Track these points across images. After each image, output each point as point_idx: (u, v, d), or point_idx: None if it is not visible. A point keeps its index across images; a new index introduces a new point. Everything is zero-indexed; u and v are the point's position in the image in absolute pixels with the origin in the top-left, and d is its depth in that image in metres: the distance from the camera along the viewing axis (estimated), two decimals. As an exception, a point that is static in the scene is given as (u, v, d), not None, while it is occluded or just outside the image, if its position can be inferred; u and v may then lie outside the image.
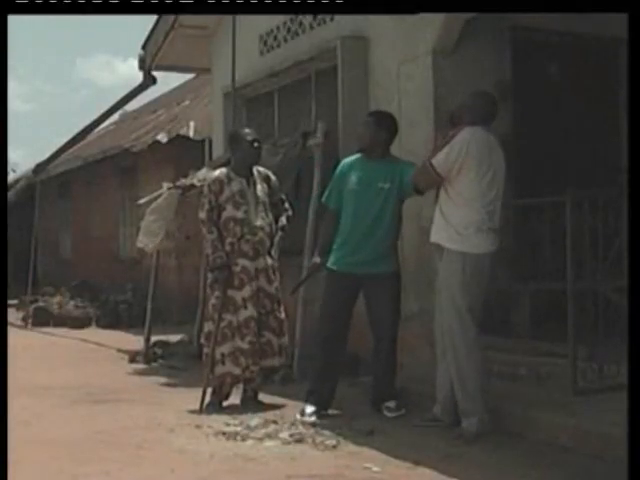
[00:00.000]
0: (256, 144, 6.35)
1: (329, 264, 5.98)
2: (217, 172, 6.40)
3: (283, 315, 6.34)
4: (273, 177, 6.51)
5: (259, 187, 6.32)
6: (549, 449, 4.81)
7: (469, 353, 5.17)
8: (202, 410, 6.08)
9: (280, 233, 6.38)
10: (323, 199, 6.22)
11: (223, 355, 6.17)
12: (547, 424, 5.01)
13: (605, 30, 7.08)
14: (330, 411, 5.84)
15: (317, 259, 6.10)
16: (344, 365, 6.23)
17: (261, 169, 6.48)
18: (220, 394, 6.26)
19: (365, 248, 5.84)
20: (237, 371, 6.16)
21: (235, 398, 6.35)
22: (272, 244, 6.32)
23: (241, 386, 6.36)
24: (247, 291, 6.15)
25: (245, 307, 6.14)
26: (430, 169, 5.25)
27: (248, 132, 6.49)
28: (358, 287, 5.90)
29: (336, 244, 5.97)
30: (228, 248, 6.17)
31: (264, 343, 6.19)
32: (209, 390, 6.21)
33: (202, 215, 6.23)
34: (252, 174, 6.34)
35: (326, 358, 5.92)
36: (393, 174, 5.87)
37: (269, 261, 6.28)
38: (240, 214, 6.19)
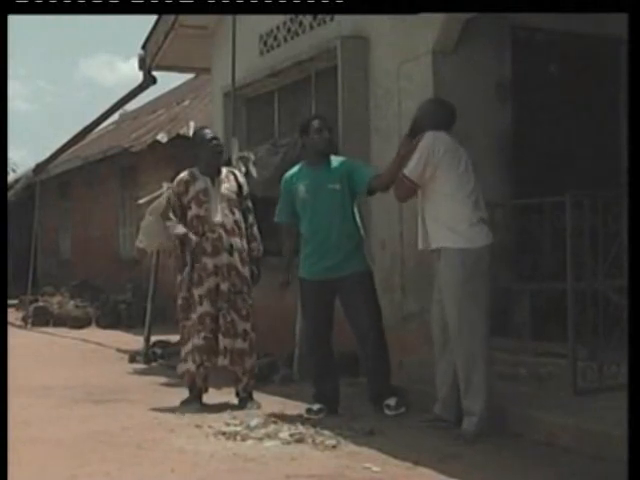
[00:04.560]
0: (219, 147, 6.45)
1: (300, 273, 6.03)
2: (183, 173, 6.49)
3: (236, 317, 6.26)
4: (241, 177, 6.60)
5: (225, 185, 6.39)
6: (549, 449, 4.81)
7: (475, 354, 5.15)
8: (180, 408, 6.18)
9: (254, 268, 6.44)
10: (276, 219, 6.22)
11: (186, 354, 6.32)
12: (547, 424, 5.01)
13: (605, 30, 7.08)
14: (340, 411, 5.88)
15: (284, 277, 6.16)
16: (341, 365, 6.25)
17: (231, 168, 6.63)
18: (194, 391, 6.34)
19: (329, 252, 5.85)
20: (192, 367, 6.27)
21: (234, 398, 6.36)
22: (249, 244, 6.39)
23: (239, 385, 6.36)
24: (204, 288, 6.24)
25: (201, 304, 6.23)
26: (405, 180, 5.30)
27: (209, 133, 6.53)
28: (332, 292, 5.90)
29: (302, 254, 6.01)
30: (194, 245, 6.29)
31: (215, 341, 6.25)
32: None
33: (165, 212, 6.50)
34: (219, 173, 6.41)
35: (318, 364, 6.00)
36: (340, 174, 5.90)
37: (230, 259, 6.28)
38: (202, 212, 6.30)
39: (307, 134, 6.02)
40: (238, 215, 6.38)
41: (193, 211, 6.31)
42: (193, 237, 6.22)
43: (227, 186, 6.39)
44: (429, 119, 5.38)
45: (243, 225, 6.40)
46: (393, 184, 5.57)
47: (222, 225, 6.29)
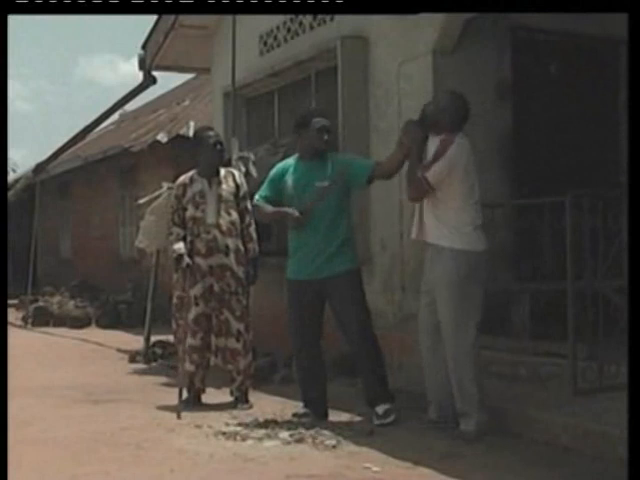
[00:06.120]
0: (219, 147, 6.43)
1: (287, 274, 5.89)
2: (183, 177, 6.52)
3: (230, 317, 6.29)
4: (239, 178, 6.57)
5: (223, 186, 6.40)
6: (549, 449, 4.81)
7: (467, 354, 5.15)
8: (178, 409, 6.07)
9: (251, 267, 6.44)
10: (256, 200, 5.90)
11: (184, 353, 6.38)
12: (547, 424, 5.01)
13: (605, 30, 7.08)
14: (330, 417, 5.77)
15: (294, 213, 5.68)
16: (342, 365, 6.20)
17: (230, 169, 6.65)
18: (192, 392, 6.37)
19: (316, 251, 5.67)
20: (191, 368, 6.32)
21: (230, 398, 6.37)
22: (245, 245, 6.39)
23: (233, 385, 6.38)
24: (199, 288, 6.28)
25: (197, 304, 6.28)
26: (424, 183, 5.24)
27: (211, 135, 6.50)
28: (319, 293, 5.71)
29: (289, 253, 5.87)
30: (189, 247, 6.32)
31: (210, 341, 6.31)
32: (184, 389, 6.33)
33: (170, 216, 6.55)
34: (217, 174, 6.42)
35: (304, 367, 5.85)
36: (333, 171, 5.70)
37: (225, 259, 6.30)
38: (198, 213, 6.34)
39: (306, 128, 5.79)
40: (235, 216, 6.38)
41: (190, 212, 6.35)
42: (187, 259, 6.24)
43: (225, 187, 6.39)
44: (447, 115, 5.32)
45: (240, 226, 6.40)
46: (396, 173, 5.58)
47: (217, 226, 6.30)
